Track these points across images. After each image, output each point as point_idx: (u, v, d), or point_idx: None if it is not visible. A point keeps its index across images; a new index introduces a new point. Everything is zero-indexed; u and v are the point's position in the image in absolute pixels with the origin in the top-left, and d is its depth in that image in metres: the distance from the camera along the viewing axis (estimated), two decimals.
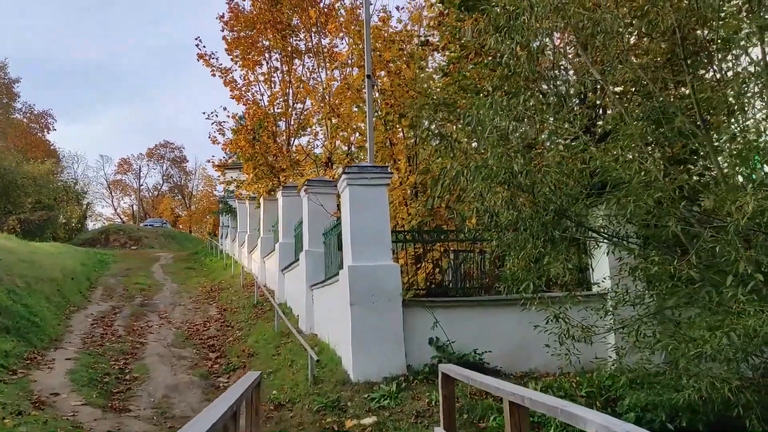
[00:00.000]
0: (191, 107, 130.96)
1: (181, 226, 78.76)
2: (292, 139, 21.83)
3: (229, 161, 21.49)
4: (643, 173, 6.16)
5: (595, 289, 10.14)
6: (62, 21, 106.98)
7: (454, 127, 8.88)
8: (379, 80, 12.95)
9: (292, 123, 21.87)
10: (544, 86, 10.59)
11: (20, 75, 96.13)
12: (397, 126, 12.69)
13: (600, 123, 8.95)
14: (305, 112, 21.69)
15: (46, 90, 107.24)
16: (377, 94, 12.65)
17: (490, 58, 9.76)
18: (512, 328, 10.00)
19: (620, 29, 6.93)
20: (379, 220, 9.95)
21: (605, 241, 7.59)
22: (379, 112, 12.55)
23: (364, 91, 13.06)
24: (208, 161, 21.00)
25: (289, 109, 21.67)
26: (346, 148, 17.88)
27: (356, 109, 13.41)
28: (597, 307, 8.97)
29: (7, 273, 15.10)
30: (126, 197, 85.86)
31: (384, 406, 8.53)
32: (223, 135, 20.91)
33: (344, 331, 9.86)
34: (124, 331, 15.48)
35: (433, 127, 7.10)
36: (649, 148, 7.29)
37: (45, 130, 66.78)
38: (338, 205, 13.78)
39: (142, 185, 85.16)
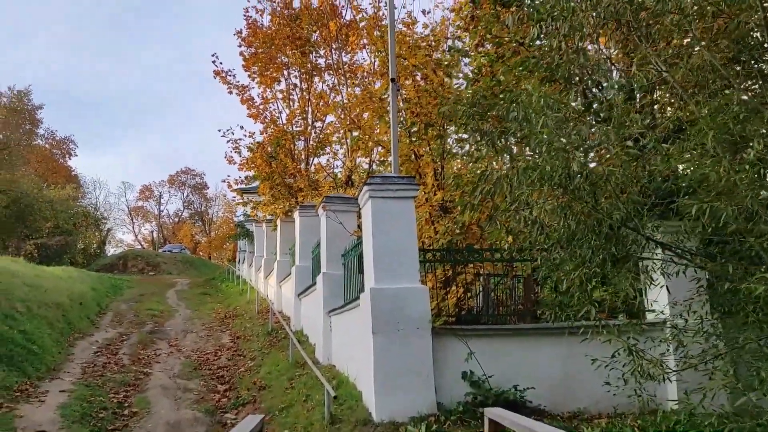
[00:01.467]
0: (212, 136, 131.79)
1: (201, 253, 78.38)
2: (311, 158, 20.89)
3: (245, 180, 20.56)
4: (734, 174, 4.98)
5: (650, 317, 8.89)
6: (87, 51, 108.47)
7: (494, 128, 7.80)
8: (404, 90, 11.96)
9: (311, 142, 20.95)
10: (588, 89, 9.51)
11: (45, 102, 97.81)
12: (423, 137, 11.64)
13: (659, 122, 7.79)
14: (324, 131, 20.80)
15: (71, 119, 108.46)
16: (402, 104, 11.63)
17: (530, 56, 8.70)
18: (557, 361, 8.80)
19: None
20: (405, 236, 8.84)
21: (676, 258, 6.39)
22: (404, 122, 11.52)
23: (387, 100, 12.06)
24: (224, 181, 20.25)
25: (308, 128, 20.78)
26: (367, 166, 16.87)
27: (378, 122, 12.41)
28: (654, 336, 7.77)
29: (7, 297, 14.18)
30: (147, 224, 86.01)
31: None
32: (240, 154, 20.07)
33: (365, 362, 8.70)
34: (129, 360, 14.43)
35: (470, 124, 5.99)
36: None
37: (67, 156, 66.95)
38: (359, 225, 12.71)
39: (162, 211, 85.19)
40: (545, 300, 9.48)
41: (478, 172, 6.90)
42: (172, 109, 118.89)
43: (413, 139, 11.79)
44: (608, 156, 5.81)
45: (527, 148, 6.29)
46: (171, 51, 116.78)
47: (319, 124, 21.38)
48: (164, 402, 11.00)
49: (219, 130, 20.90)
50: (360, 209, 11.71)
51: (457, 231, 10.20)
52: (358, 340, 9.42)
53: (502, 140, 6.13)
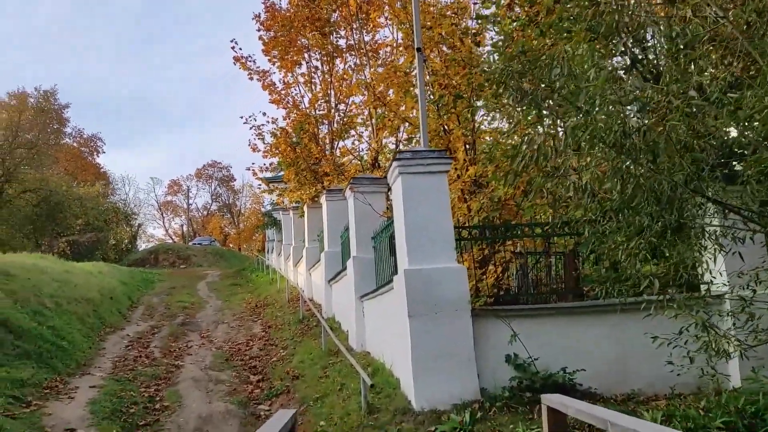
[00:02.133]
0: (238, 129, 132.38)
1: (231, 245, 78.72)
2: (336, 142, 20.39)
3: (270, 167, 20.14)
4: None
5: (705, 290, 8.26)
6: (117, 52, 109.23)
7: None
8: (430, 62, 11.36)
9: (335, 125, 20.44)
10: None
11: (77, 103, 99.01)
12: (452, 111, 11.04)
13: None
14: (348, 113, 20.26)
15: (102, 118, 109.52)
16: (428, 77, 11.04)
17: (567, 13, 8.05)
18: (607, 341, 8.23)
19: None
20: (439, 213, 8.31)
21: (741, 223, 5.75)
22: (432, 96, 10.93)
23: (413, 74, 11.50)
24: (248, 169, 19.90)
25: (331, 111, 20.25)
26: (394, 146, 16.31)
27: (404, 97, 11.83)
28: (717, 311, 7.20)
29: (35, 294, 14.00)
30: (177, 218, 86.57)
31: None
32: (263, 140, 19.62)
33: (402, 348, 8.22)
34: (160, 353, 14.18)
35: (510, 83, 5.41)
36: None
37: (95, 153, 67.45)
38: (389, 206, 12.21)
39: (191, 205, 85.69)
40: (592, 276, 8.89)
41: (520, 137, 6.29)
42: (198, 106, 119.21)
43: (441, 113, 11.20)
44: (667, 111, 5.18)
45: (572, 110, 5.70)
46: (197, 47, 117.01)
47: (342, 106, 20.87)
48: (196, 395, 10.68)
49: (241, 117, 20.34)
50: (389, 188, 11.21)
51: (493, 207, 9.62)
52: (393, 325, 8.95)
53: (546, 100, 5.53)
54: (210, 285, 29.56)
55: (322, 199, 16.08)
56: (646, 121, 5.16)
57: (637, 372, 8.10)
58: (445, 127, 11.07)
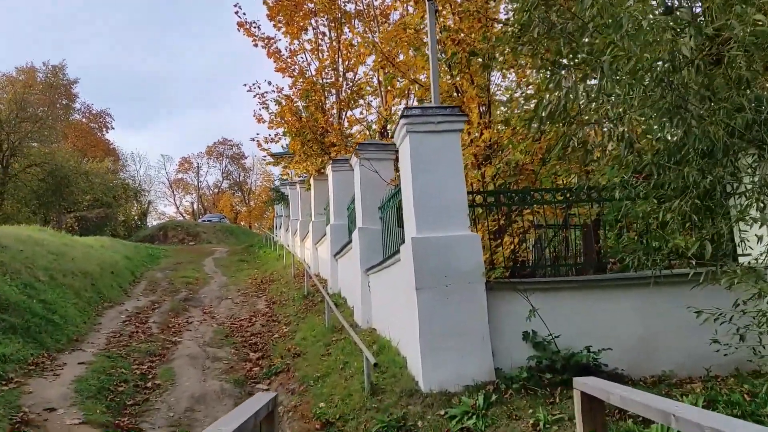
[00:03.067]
0: (248, 105, 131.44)
1: (242, 223, 78.37)
2: (344, 111, 19.56)
3: (275, 137, 19.32)
4: None
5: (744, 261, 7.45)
6: (129, 33, 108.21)
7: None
8: (442, 18, 10.48)
9: (342, 94, 19.60)
10: None
11: (90, 84, 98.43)
12: (466, 71, 10.19)
13: None
14: (357, 82, 19.41)
15: (115, 99, 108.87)
16: (440, 34, 10.16)
17: None
18: (635, 318, 7.46)
19: None
20: (451, 176, 7.52)
21: None
22: (444, 54, 10.08)
23: (423, 30, 10.63)
24: (253, 140, 19.03)
25: (339, 79, 19.41)
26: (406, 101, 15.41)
27: (414, 55, 10.99)
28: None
29: (27, 266, 13.40)
30: (188, 195, 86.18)
31: (469, 428, 6.13)
32: (267, 109, 18.81)
33: (410, 324, 7.50)
34: (158, 328, 13.58)
35: (535, 12, 4.59)
36: None
37: (104, 129, 66.99)
38: (397, 174, 11.44)
39: (201, 182, 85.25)
40: (617, 247, 8.10)
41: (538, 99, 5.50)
42: (211, 85, 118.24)
43: (454, 72, 10.35)
44: (723, 43, 4.35)
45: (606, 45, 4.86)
46: (210, 27, 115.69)
47: (350, 74, 20.03)
48: (191, 372, 10.05)
49: (245, 85, 19.51)
50: (397, 151, 10.47)
51: (510, 173, 8.81)
52: (400, 300, 8.23)
53: (576, 34, 4.71)
54: (217, 261, 29.00)
55: (328, 170, 15.32)
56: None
57: (667, 352, 7.34)
58: (458, 87, 10.22)
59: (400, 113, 7.70)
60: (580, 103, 4.67)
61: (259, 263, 27.41)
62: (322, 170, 17.78)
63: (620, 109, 4.69)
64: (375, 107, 18.72)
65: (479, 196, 8.12)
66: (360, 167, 11.28)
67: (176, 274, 23.01)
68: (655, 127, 4.37)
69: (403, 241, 8.00)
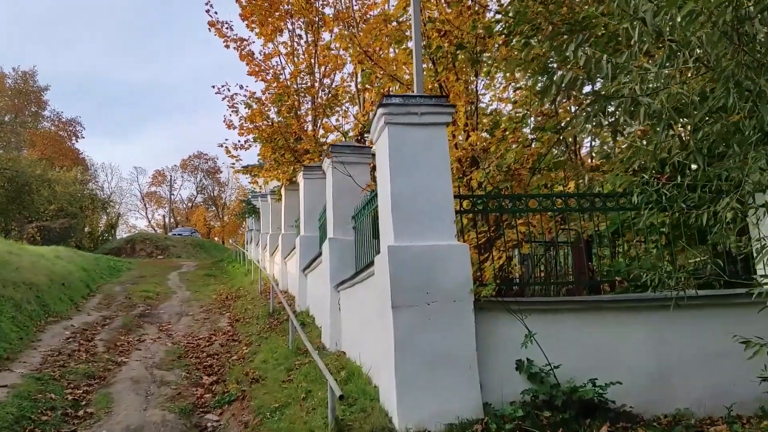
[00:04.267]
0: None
1: (216, 238, 76.69)
2: (319, 119, 18.46)
3: (246, 144, 18.08)
4: None
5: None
6: (111, 42, 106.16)
7: None
8: (428, 8, 9.49)
9: (318, 101, 18.52)
10: None
11: (65, 93, 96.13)
12: (451, 68, 9.20)
13: None
14: (334, 88, 18.35)
15: (90, 110, 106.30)
16: (425, 26, 9.15)
17: None
18: (647, 346, 6.43)
19: None
20: (436, 177, 6.45)
21: None
22: (428, 47, 9.07)
23: (406, 23, 9.63)
24: (221, 145, 17.71)
25: (315, 84, 18.33)
26: None
27: (395, 51, 9.98)
28: None
29: None
30: (160, 209, 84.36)
31: None
32: (237, 113, 17.62)
33: (384, 349, 6.36)
34: (105, 347, 12.22)
35: None
36: None
37: (73, 138, 65.10)
38: (374, 177, 10.37)
39: (176, 197, 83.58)
40: (631, 262, 7.09)
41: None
42: (189, 97, 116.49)
43: (439, 69, 9.34)
44: None
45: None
46: (191, 40, 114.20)
47: (327, 81, 18.98)
48: (131, 399, 8.75)
49: (213, 86, 18.24)
50: (373, 155, 9.41)
51: (502, 178, 7.77)
52: (373, 320, 7.11)
53: None
54: (182, 275, 27.55)
55: (299, 177, 14.19)
56: None
57: (684, 386, 6.32)
58: (443, 84, 9.19)
59: (378, 101, 6.62)
60: (606, 73, 3.63)
61: (226, 279, 26.07)
62: (294, 179, 16.62)
63: (657, 82, 3.66)
64: (352, 115, 17.68)
65: (467, 201, 7.02)
66: (332, 171, 10.17)
67: (136, 288, 21.56)
68: (710, 99, 3.33)
69: (379, 252, 6.88)
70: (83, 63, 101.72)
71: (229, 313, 16.82)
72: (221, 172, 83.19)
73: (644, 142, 6.58)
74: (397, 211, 6.32)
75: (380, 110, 6.52)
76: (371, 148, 10.87)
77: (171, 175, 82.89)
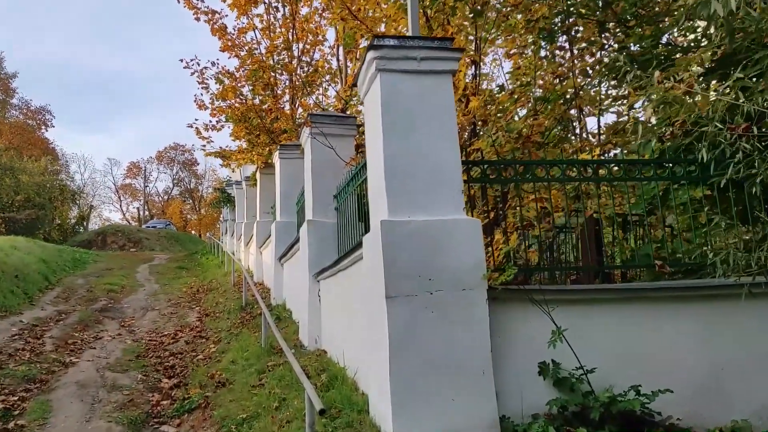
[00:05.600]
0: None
1: (193, 231, 74.97)
2: (297, 99, 17.10)
3: (218, 125, 16.67)
4: None
5: None
6: (81, 34, 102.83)
7: None
8: None
9: (297, 80, 17.17)
10: None
11: (39, 85, 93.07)
12: (447, 24, 7.98)
13: None
14: (313, 64, 17.00)
15: (65, 99, 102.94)
16: None
17: None
18: (699, 344, 5.26)
19: None
20: (440, 137, 5.22)
21: None
22: (423, 1, 7.83)
23: None
24: (190, 126, 16.22)
25: (293, 61, 16.96)
26: None
27: (384, 8, 8.73)
28: None
29: None
30: (135, 201, 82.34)
31: None
32: (208, 90, 16.20)
33: (375, 349, 5.12)
34: (54, 345, 10.83)
35: None
36: None
37: (42, 127, 62.83)
38: (360, 149, 9.12)
39: (151, 189, 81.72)
40: (691, 246, 5.93)
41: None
42: (164, 88, 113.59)
43: (434, 26, 8.10)
44: None
45: None
46: (171, 29, 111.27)
47: (306, 59, 17.62)
48: (73, 408, 7.43)
49: (181, 60, 16.73)
50: (359, 126, 8.21)
51: (511, 145, 6.55)
52: (360, 313, 5.88)
53: None
54: (153, 268, 26.03)
55: (275, 157, 12.90)
56: None
57: (741, 394, 5.17)
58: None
59: (369, 44, 5.35)
60: None
61: (199, 271, 24.62)
62: (270, 161, 15.30)
63: None
64: (334, 94, 16.40)
65: (477, 169, 5.77)
66: (312, 143, 8.89)
67: (100, 281, 20.08)
68: None
69: (368, 230, 5.63)
70: (54, 50, 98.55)
71: (199, 308, 15.47)
72: (198, 164, 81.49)
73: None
74: (391, 179, 5.07)
75: (371, 54, 5.26)
76: (356, 118, 9.63)
77: (146, 167, 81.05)
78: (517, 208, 6.58)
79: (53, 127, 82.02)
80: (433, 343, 4.78)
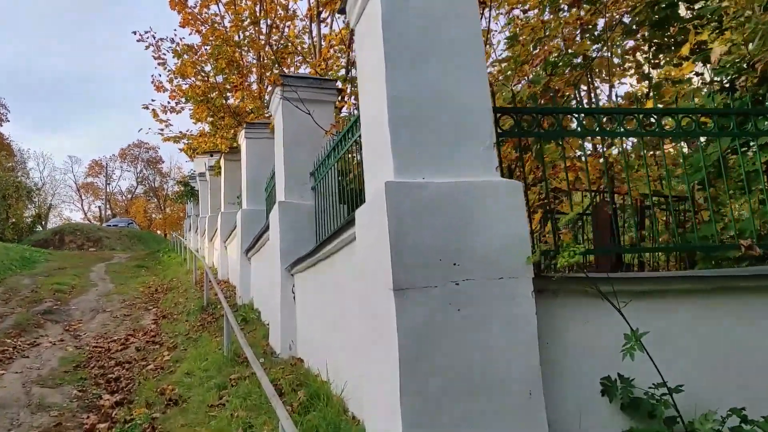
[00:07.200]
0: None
1: (158, 231, 72.57)
2: (266, 79, 15.55)
3: (177, 107, 15.02)
4: None
5: None
6: (38, 35, 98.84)
7: None
8: None
9: (266, 59, 15.63)
10: None
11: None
12: None
13: None
14: (284, 39, 15.47)
15: (25, 101, 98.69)
16: None
17: None
18: None
19: None
20: (463, 71, 3.81)
21: None
22: None
23: None
24: (146, 107, 14.46)
25: (261, 37, 15.41)
26: (344, 72, 11.62)
27: None
28: None
29: None
30: (98, 200, 79.51)
31: None
32: (165, 66, 14.54)
33: (377, 361, 3.68)
34: None
35: None
36: None
37: None
38: (340, 121, 7.68)
39: (114, 188, 79.06)
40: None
41: None
42: (130, 85, 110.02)
43: None
44: None
45: None
46: (128, 26, 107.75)
47: (276, 37, 16.08)
48: None
49: (134, 32, 14.96)
50: (339, 90, 6.88)
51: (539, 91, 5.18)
52: (351, 312, 4.44)
53: None
54: (110, 267, 24.14)
55: (241, 138, 11.38)
56: None
57: None
58: None
59: None
60: None
61: (159, 269, 22.84)
62: (235, 146, 13.75)
63: None
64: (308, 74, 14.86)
65: (508, 117, 4.33)
66: (284, 108, 7.40)
67: (48, 281, 18.21)
68: None
69: (361, 202, 4.19)
70: (7, 50, 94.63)
71: (156, 309, 13.82)
72: (163, 162, 79.03)
73: None
74: (398, 128, 3.65)
75: None
76: (336, 81, 8.20)
77: (108, 165, 78.41)
78: (545, 172, 5.19)
79: (8, 121, 78.42)
80: (461, 354, 3.38)
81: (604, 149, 4.49)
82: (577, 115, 4.22)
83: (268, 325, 8.45)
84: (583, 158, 5.15)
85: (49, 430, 6.09)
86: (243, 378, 6.31)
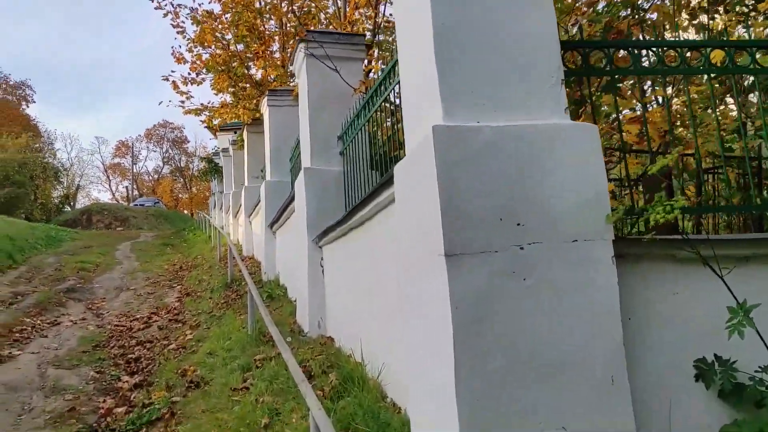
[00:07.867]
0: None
1: (185, 210, 73.01)
2: (288, 47, 14.94)
3: (198, 78, 14.50)
4: None
5: None
6: (66, 25, 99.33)
7: None
8: None
9: (289, 26, 15.00)
10: None
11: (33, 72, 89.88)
12: None
13: None
14: (308, 4, 14.82)
15: (55, 87, 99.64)
16: None
17: None
18: None
19: None
20: (525, 3, 3.17)
21: None
22: None
23: None
24: (166, 78, 13.97)
25: (283, 3, 14.77)
26: (370, 27, 10.92)
27: None
28: None
29: None
30: (125, 180, 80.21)
31: None
32: (184, 35, 13.99)
33: (424, 340, 3.09)
34: None
35: None
36: None
37: (24, 103, 60.22)
38: (367, 80, 7.03)
39: (141, 168, 79.60)
40: None
41: None
42: (153, 66, 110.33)
43: None
44: None
45: None
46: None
47: (299, 4, 15.42)
48: None
49: (152, 0, 14.36)
50: (368, 45, 6.20)
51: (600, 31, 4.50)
52: (390, 284, 3.86)
53: None
54: (135, 245, 23.96)
55: (263, 106, 10.82)
56: None
57: None
58: None
59: None
60: None
61: (185, 247, 22.58)
62: (258, 116, 13.20)
63: None
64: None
65: (573, 54, 3.66)
66: (308, 66, 6.80)
67: (73, 259, 18.01)
68: None
69: (395, 160, 3.58)
70: (35, 37, 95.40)
71: (180, 286, 13.47)
72: (188, 141, 79.21)
73: None
74: (447, 63, 3.01)
75: None
76: (363, 36, 7.57)
77: (134, 145, 78.87)
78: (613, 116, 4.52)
79: (34, 102, 79.03)
80: (527, 331, 2.78)
81: (688, 88, 3.80)
82: (655, 49, 3.54)
83: (294, 301, 7.94)
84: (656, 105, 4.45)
85: (63, 416, 5.67)
86: (269, 359, 5.81)
